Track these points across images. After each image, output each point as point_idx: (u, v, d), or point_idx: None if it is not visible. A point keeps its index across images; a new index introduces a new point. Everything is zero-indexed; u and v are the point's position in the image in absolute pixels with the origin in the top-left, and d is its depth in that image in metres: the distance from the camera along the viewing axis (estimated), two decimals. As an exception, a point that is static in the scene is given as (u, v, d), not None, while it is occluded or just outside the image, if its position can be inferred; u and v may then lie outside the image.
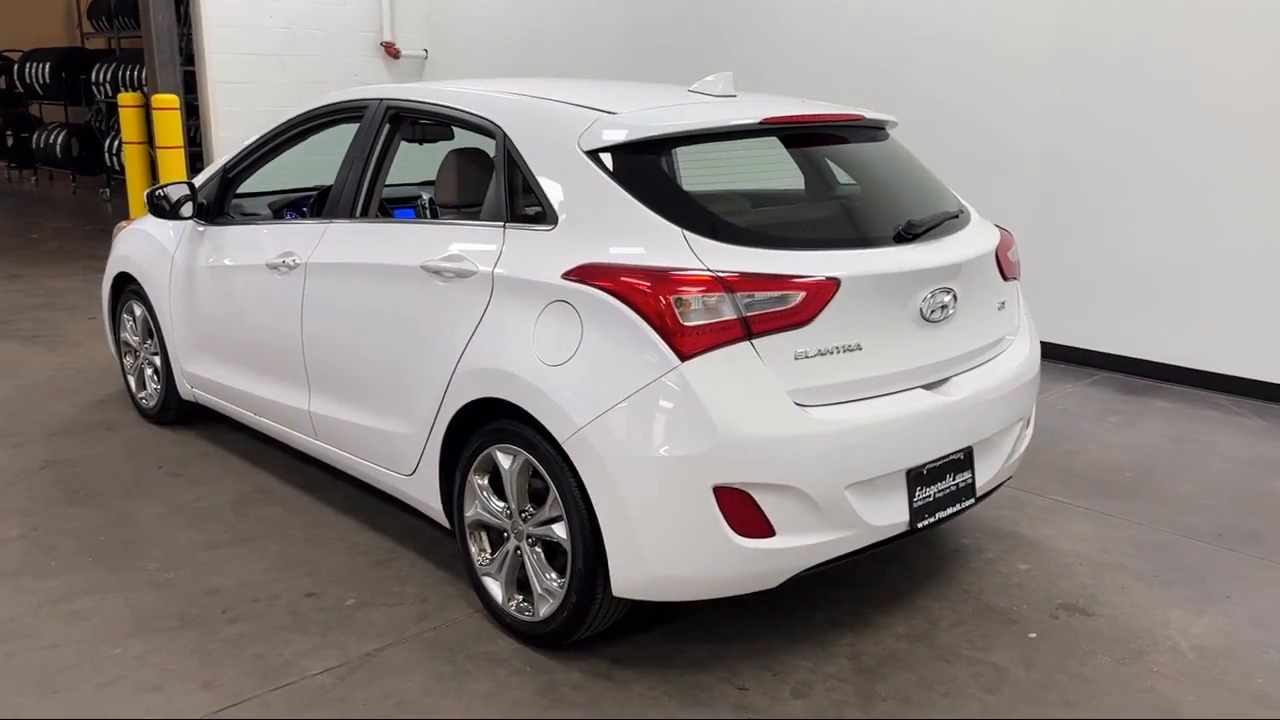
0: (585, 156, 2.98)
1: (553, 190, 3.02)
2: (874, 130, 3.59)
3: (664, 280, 2.70)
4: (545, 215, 3.03)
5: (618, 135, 2.98)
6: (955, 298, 3.08)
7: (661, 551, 2.73)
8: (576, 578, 2.88)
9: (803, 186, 3.72)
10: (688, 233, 2.80)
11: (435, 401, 3.21)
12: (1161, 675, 3.02)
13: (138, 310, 4.91)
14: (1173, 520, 4.05)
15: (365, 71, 10.22)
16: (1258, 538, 3.90)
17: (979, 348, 3.24)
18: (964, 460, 3.16)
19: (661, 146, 3.01)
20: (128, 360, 5.14)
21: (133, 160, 9.32)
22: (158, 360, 4.82)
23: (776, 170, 3.71)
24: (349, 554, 3.69)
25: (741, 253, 2.79)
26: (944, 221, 3.23)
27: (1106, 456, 4.75)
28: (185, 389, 4.67)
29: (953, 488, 3.13)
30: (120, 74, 12.90)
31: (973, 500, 3.21)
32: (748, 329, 2.70)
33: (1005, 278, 3.40)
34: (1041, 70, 6.17)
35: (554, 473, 2.87)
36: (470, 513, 3.22)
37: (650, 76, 8.01)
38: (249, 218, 4.50)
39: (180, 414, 4.86)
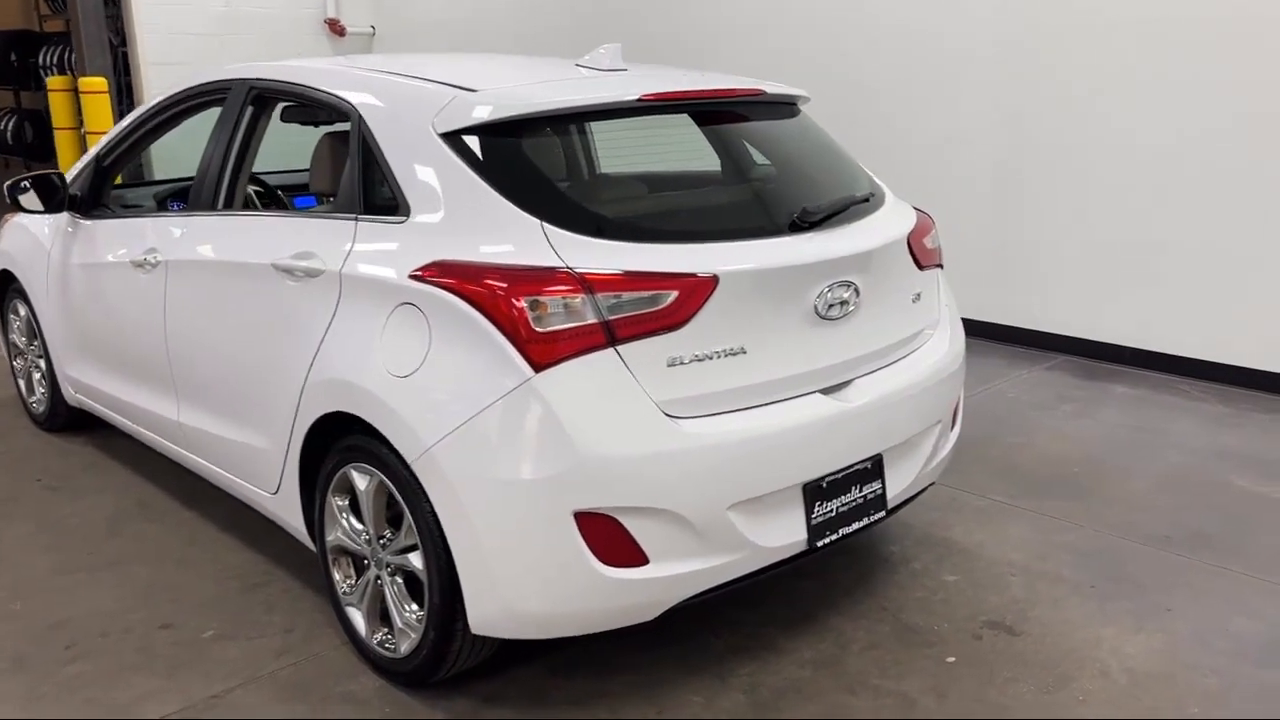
0: (440, 139, 2.66)
1: (405, 178, 2.71)
2: (781, 107, 3.27)
3: (515, 280, 2.39)
4: (398, 206, 2.71)
5: (474, 116, 2.66)
6: (857, 292, 2.78)
7: (519, 585, 2.43)
8: (434, 613, 2.58)
9: (719, 170, 3.41)
10: (548, 225, 2.49)
11: (291, 415, 2.90)
12: (1087, 704, 2.74)
13: (21, 310, 4.60)
14: (1120, 522, 3.77)
15: (309, 51, 9.85)
16: (1207, 540, 3.61)
17: (888, 345, 2.94)
18: (872, 470, 2.86)
19: (523, 128, 2.69)
20: (17, 363, 4.83)
21: (64, 147, 8.96)
22: (43, 364, 4.50)
23: (693, 153, 3.40)
24: (219, 578, 3.40)
25: (608, 248, 2.48)
26: (847, 207, 2.92)
27: (1056, 450, 4.46)
28: (70, 394, 4.36)
29: (859, 500, 2.83)
30: (67, 57, 12.48)
31: (884, 513, 2.92)
32: (611, 334, 2.39)
33: (921, 266, 3.09)
34: (1001, 39, 5.84)
35: (407, 496, 2.57)
36: (331, 537, 2.92)
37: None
38: (130, 210, 4.18)
39: (71, 420, 4.56)
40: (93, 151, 4.11)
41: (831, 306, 2.71)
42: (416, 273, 2.53)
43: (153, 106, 3.83)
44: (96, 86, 8.23)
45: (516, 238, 2.48)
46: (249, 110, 3.38)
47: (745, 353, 2.57)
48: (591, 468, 2.35)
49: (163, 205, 4.31)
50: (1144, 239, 5.44)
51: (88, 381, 4.14)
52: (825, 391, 2.76)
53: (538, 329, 2.35)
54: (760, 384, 2.60)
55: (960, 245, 6.17)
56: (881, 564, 3.47)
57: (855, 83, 6.47)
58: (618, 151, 4.35)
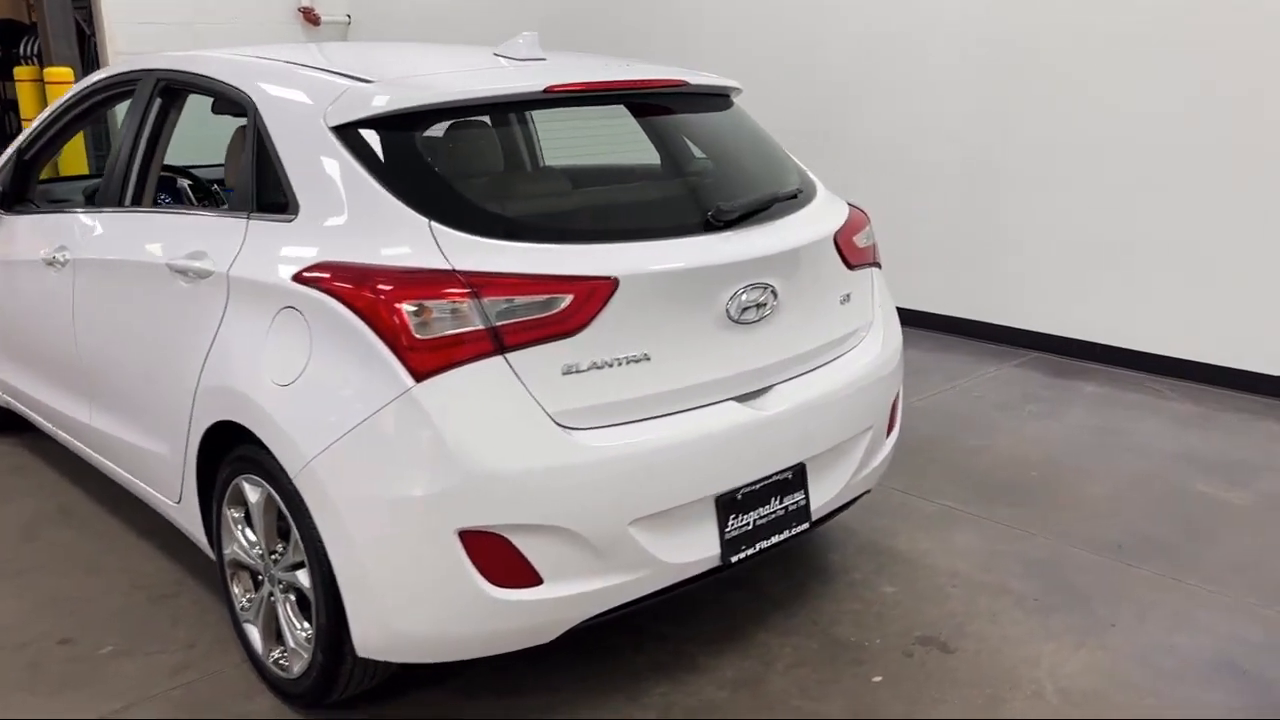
0: (331, 133, 2.52)
1: (295, 174, 2.57)
2: (711, 99, 3.13)
3: (396, 283, 2.25)
4: (288, 204, 2.57)
5: (366, 108, 2.52)
6: (775, 294, 2.63)
7: (403, 607, 2.30)
8: (322, 633, 2.45)
9: (652, 165, 3.27)
10: (436, 225, 2.35)
11: (186, 422, 2.77)
12: (1016, 729, 2.60)
13: (-49, 307, 4.46)
14: (1073, 530, 3.62)
15: (284, 40, 9.68)
16: (1163, 550, 3.47)
17: (813, 349, 2.79)
18: (794, 480, 2.72)
19: (418, 121, 2.55)
20: (-50, 361, 4.69)
21: (32, 138, 8.81)
22: (-27, 362, 4.37)
23: (637, 148, 3.26)
24: (129, 589, 3.27)
25: (502, 249, 2.34)
26: (769, 204, 2.77)
27: (1015, 452, 4.31)
28: (-3, 394, 4.24)
29: (779, 512, 2.69)
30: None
31: (808, 524, 2.78)
32: (500, 341, 2.25)
33: (851, 266, 2.94)
34: (973, 28, 5.67)
35: (292, 511, 2.44)
36: (228, 550, 2.79)
37: (581, 42, 7.50)
38: (52, 206, 4.04)
39: (2, 421, 4.42)
40: (14, 145, 3.97)
41: (746, 310, 2.57)
42: (298, 275, 2.39)
43: (69, 99, 3.70)
44: (62, 77, 8.07)
45: (403, 238, 2.34)
46: (157, 102, 3.24)
47: (649, 360, 2.42)
48: (476, 484, 2.21)
49: (91, 200, 4.17)
50: (1116, 235, 5.28)
51: (13, 383, 4.02)
52: (741, 399, 2.62)
53: (419, 336, 2.21)
54: (666, 392, 2.46)
55: (932, 240, 6.03)
56: (818, 574, 3.34)
57: (827, 80, 6.31)
58: (564, 145, 4.21)
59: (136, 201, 3.24)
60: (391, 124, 2.52)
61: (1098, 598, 3.18)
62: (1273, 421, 4.62)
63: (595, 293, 2.33)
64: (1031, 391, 5.07)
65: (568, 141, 4.20)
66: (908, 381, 5.16)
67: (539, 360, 2.28)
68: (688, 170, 3.09)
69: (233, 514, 2.73)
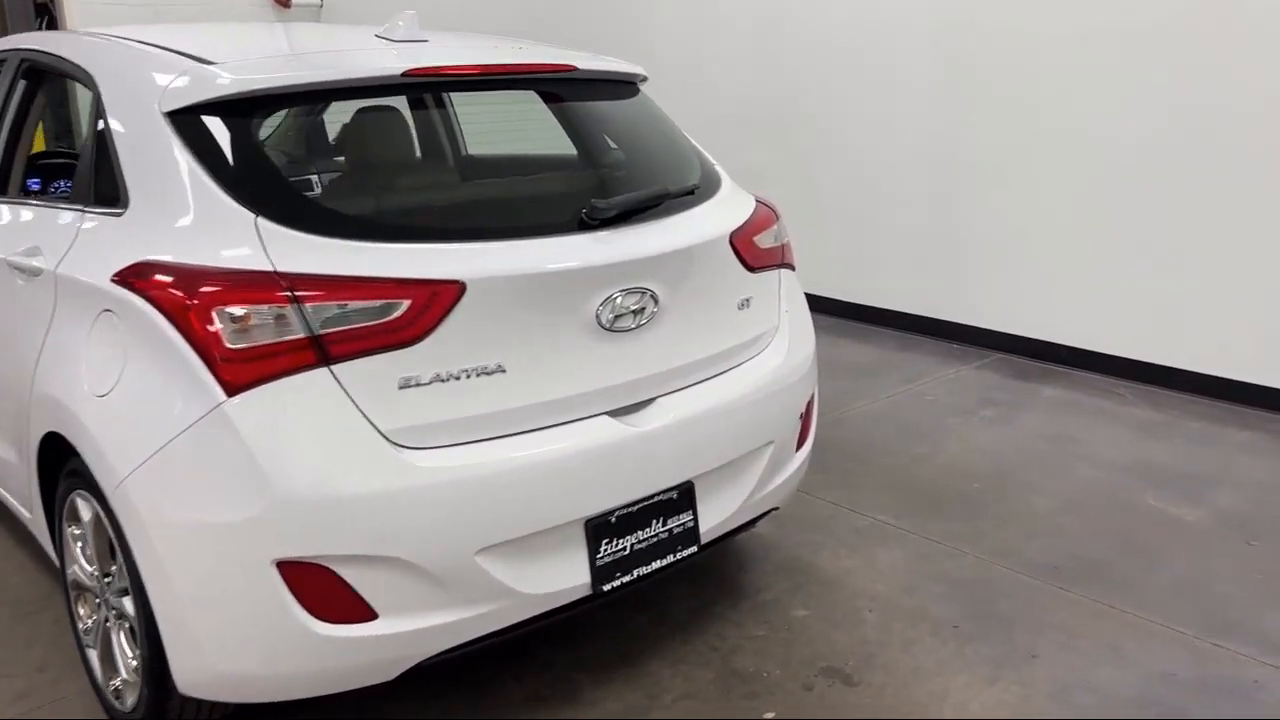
0: (164, 119, 2.30)
1: (128, 162, 2.35)
2: (614, 86, 2.90)
3: (209, 285, 2.04)
4: (119, 196, 2.35)
5: (202, 92, 2.29)
6: (655, 299, 2.41)
7: (221, 642, 2.09)
8: (145, 666, 2.25)
9: (547, 156, 3.06)
10: (264, 221, 2.13)
11: (26, 431, 2.57)
12: (910, 777, 2.38)
13: None
14: (1008, 548, 3.40)
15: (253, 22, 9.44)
16: (1101, 571, 3.24)
17: (702, 359, 2.57)
18: (679, 500, 2.51)
19: (258, 107, 2.32)
20: None
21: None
22: None
23: (556, 138, 3.04)
24: (-8, 603, 3.07)
25: (336, 248, 2.12)
26: (657, 201, 2.54)
27: (962, 461, 4.09)
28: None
29: (662, 535, 2.48)
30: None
31: (696, 547, 2.56)
32: (324, 352, 2.04)
33: (752, 268, 2.71)
34: (935, 25, 5.42)
35: (115, 532, 2.23)
36: (70, 569, 2.59)
37: (554, 26, 7.27)
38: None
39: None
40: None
41: (620, 317, 2.35)
42: (115, 275, 2.18)
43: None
44: (15, 58, 7.87)
45: (228, 236, 2.13)
46: (21, 84, 3.02)
47: (504, 371, 2.21)
48: (294, 511, 2.00)
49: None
50: (1083, 235, 5.04)
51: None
52: (616, 414, 2.40)
53: (232, 345, 2.00)
54: (524, 407, 2.24)
55: (897, 236, 5.79)
56: (728, 593, 3.12)
57: (791, 80, 6.07)
58: (484, 134, 3.99)
59: (3, 191, 3.03)
60: (230, 110, 2.29)
61: (1022, 624, 2.96)
62: (1237, 429, 4.39)
63: (437, 298, 2.11)
64: (989, 395, 4.84)
65: (489, 130, 3.99)
66: (862, 383, 4.96)
67: (371, 373, 2.07)
68: (575, 163, 2.87)
69: (73, 531, 2.52)
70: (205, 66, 2.36)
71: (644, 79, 2.98)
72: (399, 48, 2.63)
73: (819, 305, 6.12)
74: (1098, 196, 4.95)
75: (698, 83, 6.56)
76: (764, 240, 2.77)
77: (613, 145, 2.87)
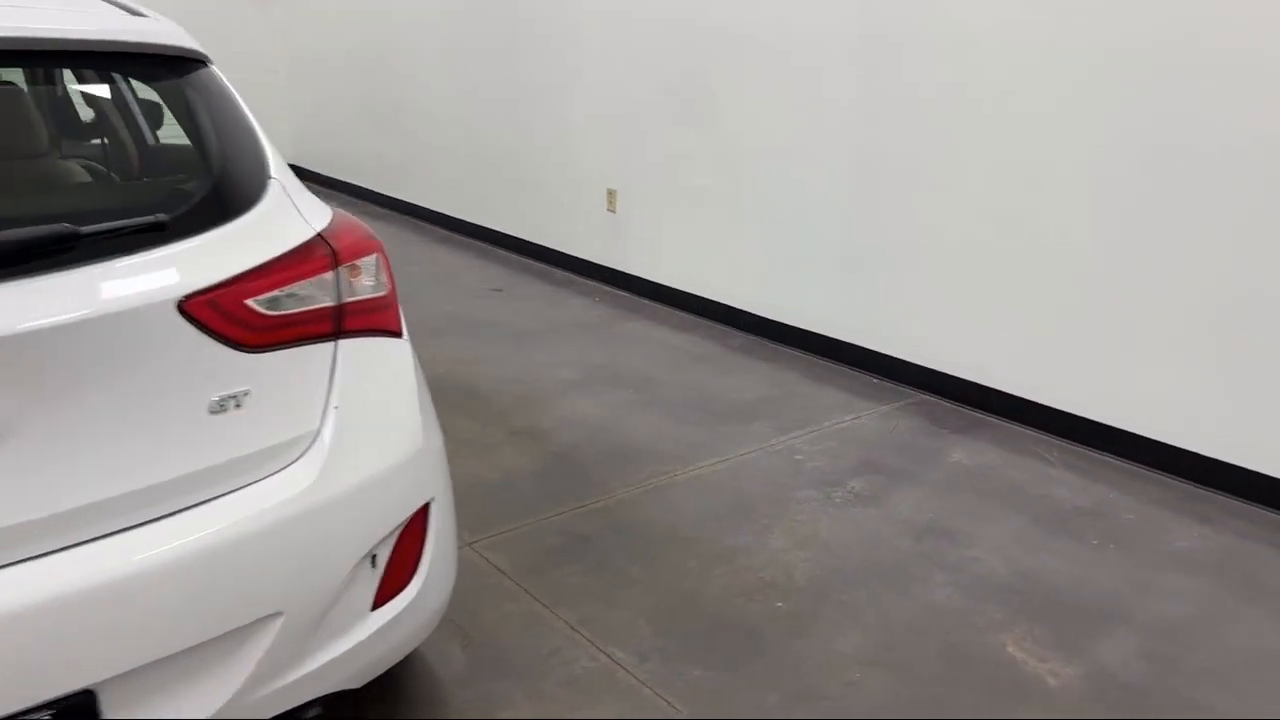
0: None
1: None
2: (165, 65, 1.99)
3: None
4: None
5: None
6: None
7: None
8: None
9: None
10: None
11: None
12: None
13: None
14: (762, 712, 2.41)
15: (230, 11, 8.61)
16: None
17: (115, 497, 1.65)
18: (66, 716, 1.59)
19: None
20: None
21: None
22: None
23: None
24: None
25: None
26: (33, 245, 1.61)
27: (780, 565, 3.08)
28: None
29: (32, 781, 1.57)
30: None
31: (108, 781, 1.65)
32: None
33: (248, 346, 1.77)
34: (856, 24, 4.33)
35: None
36: None
37: (481, 12, 6.35)
38: None
39: None
40: None
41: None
42: None
43: None
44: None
45: None
46: None
47: None
48: None
49: None
50: (1027, 268, 3.93)
51: None
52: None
53: None
54: None
55: (821, 248, 4.74)
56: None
57: (703, 86, 5.02)
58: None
59: None
60: None
61: None
62: (1180, 523, 3.28)
63: None
64: (878, 457, 3.78)
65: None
66: (725, 431, 3.84)
67: None
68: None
69: None
70: None
71: (202, 59, 2.05)
72: None
73: (730, 319, 5.13)
74: (1041, 224, 3.83)
75: (619, 72, 5.55)
76: (299, 297, 1.82)
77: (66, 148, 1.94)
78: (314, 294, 1.88)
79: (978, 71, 3.91)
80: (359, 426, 1.93)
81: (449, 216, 7.20)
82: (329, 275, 1.90)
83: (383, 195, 7.91)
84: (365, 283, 1.99)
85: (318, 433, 1.88)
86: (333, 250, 1.92)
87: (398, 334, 2.06)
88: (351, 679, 1.99)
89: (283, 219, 1.93)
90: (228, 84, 2.18)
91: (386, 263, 2.06)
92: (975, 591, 2.94)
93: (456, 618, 2.79)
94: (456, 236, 7.12)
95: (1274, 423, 3.34)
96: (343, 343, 1.93)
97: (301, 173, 8.87)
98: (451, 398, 4.26)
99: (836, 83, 4.44)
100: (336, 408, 1.90)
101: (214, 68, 2.20)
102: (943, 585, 2.98)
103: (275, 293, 1.82)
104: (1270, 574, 3.05)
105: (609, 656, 2.65)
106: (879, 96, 4.29)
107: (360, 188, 8.18)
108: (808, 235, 4.74)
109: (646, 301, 5.64)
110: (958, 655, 2.66)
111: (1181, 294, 3.47)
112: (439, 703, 2.46)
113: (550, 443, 3.89)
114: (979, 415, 4.14)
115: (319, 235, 1.93)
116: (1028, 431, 3.97)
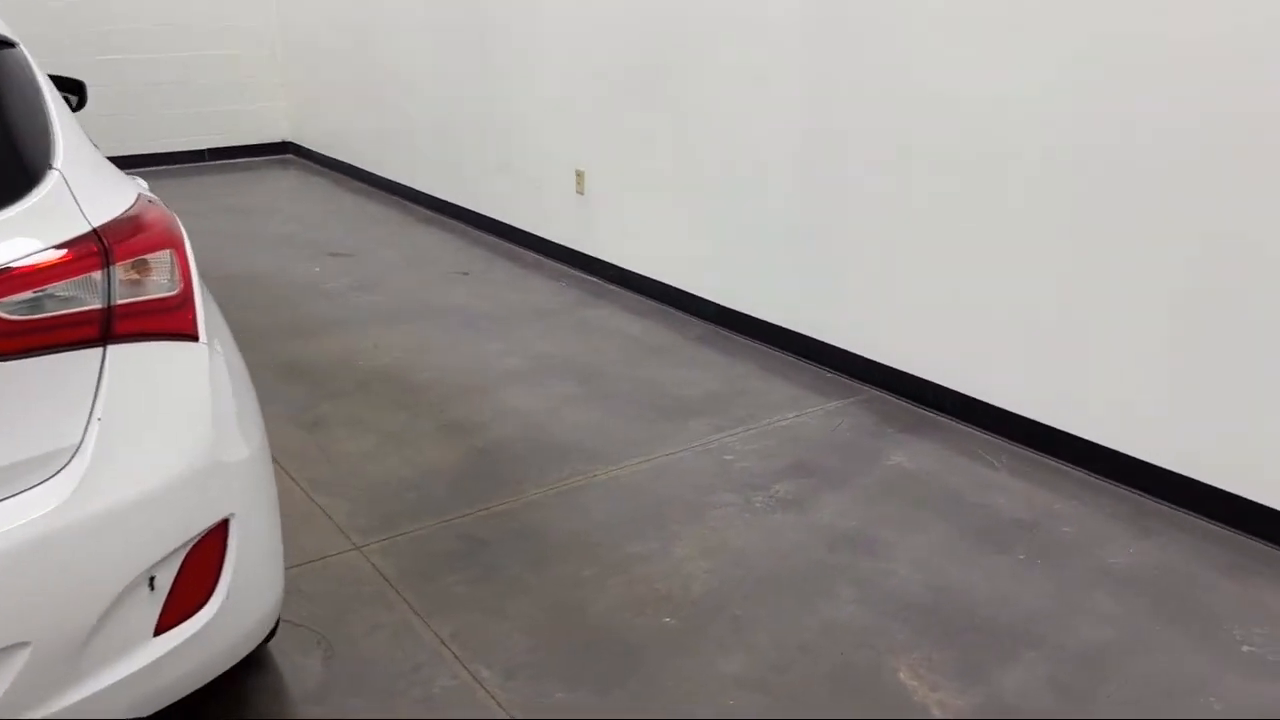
0: None
1: None
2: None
3: None
4: None
5: None
6: None
7: None
8: None
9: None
10: None
11: None
12: None
13: None
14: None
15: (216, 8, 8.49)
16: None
17: None
18: None
19: None
20: None
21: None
22: None
23: None
24: None
25: None
26: None
27: (679, 576, 2.91)
28: None
29: None
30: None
31: None
32: None
33: (-7, 354, 1.63)
34: (809, 19, 4.10)
35: None
36: None
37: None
38: None
39: None
40: None
41: None
42: None
43: None
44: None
45: None
46: None
47: None
48: None
49: None
50: (989, 263, 3.70)
51: None
52: None
53: None
54: None
55: (777, 233, 4.54)
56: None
57: (661, 67, 4.82)
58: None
59: None
60: None
61: None
62: (1124, 537, 3.06)
63: None
64: (813, 457, 3.59)
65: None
66: (661, 428, 3.60)
67: None
68: None
69: None
70: None
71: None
72: None
73: (693, 308, 4.93)
74: (1003, 215, 3.59)
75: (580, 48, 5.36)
76: (59, 299, 1.68)
77: None
78: (77, 295, 1.73)
79: (936, 59, 3.67)
80: (130, 440, 1.78)
81: (433, 197, 7.06)
82: (96, 275, 1.75)
83: (375, 175, 7.79)
84: (154, 281, 1.84)
85: (78, 446, 1.74)
86: (104, 247, 1.77)
87: (192, 336, 1.91)
88: (133, 708, 1.86)
89: (53, 213, 1.78)
90: (34, 67, 2.04)
91: (183, 259, 1.92)
92: (883, 608, 2.75)
93: (324, 629, 2.66)
94: (439, 217, 6.99)
95: (1230, 436, 3.10)
96: (113, 348, 1.78)
97: (299, 151, 8.78)
98: (389, 389, 4.13)
99: (792, 67, 4.22)
100: (100, 419, 1.75)
101: (21, 49, 2.07)
102: (849, 601, 2.79)
103: (28, 294, 1.68)
104: (1205, 594, 2.82)
105: (472, 675, 2.50)
106: (831, 81, 4.06)
107: (355, 168, 8.07)
108: (764, 223, 4.53)
109: (613, 287, 5.46)
110: (846, 681, 2.48)
111: (1141, 297, 3.23)
112: (278, 722, 2.33)
113: (478, 438, 3.74)
114: (929, 414, 3.93)
115: (92, 231, 1.79)
116: (977, 434, 3.75)
